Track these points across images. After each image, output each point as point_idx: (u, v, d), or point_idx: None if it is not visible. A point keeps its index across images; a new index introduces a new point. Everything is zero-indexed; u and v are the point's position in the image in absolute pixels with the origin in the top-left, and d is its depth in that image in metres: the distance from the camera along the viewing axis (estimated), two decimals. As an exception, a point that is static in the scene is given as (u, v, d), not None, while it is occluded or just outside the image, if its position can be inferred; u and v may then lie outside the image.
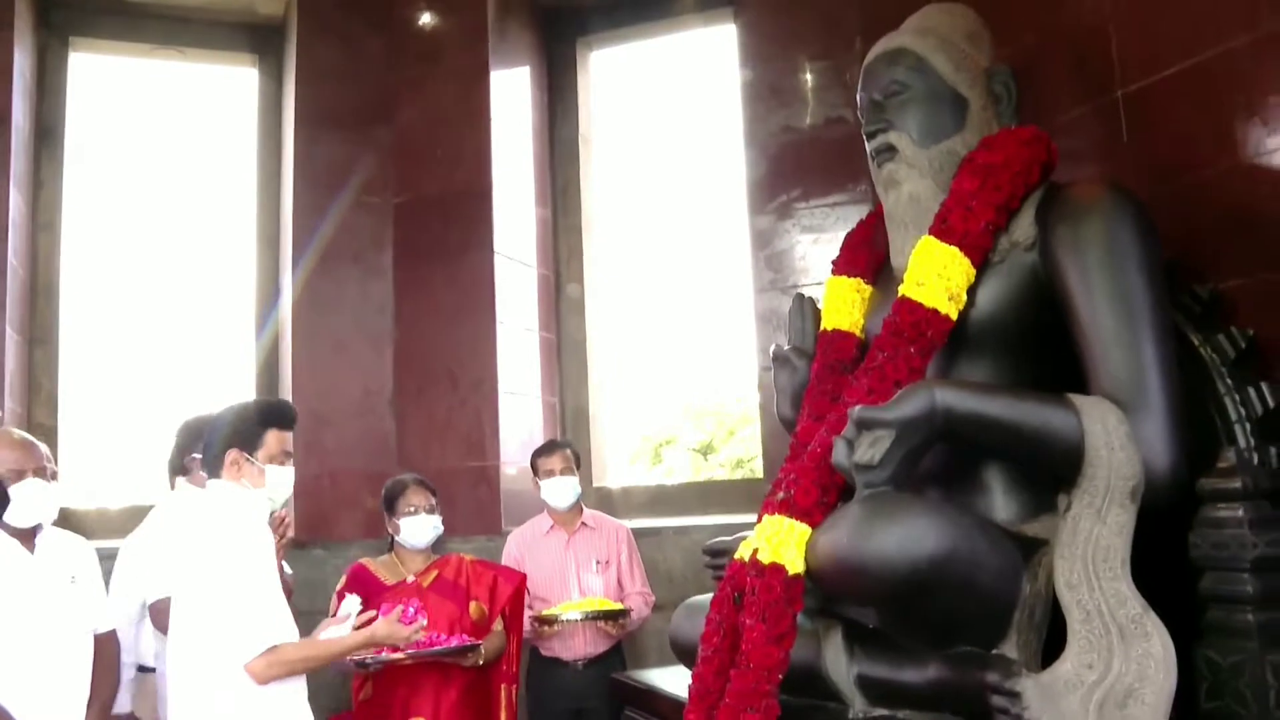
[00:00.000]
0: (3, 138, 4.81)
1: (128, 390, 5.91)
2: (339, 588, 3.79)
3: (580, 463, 4.59)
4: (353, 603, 3.41)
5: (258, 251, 5.64)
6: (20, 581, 3.07)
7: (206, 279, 6.01)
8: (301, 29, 5.43)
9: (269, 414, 3.12)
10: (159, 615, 3.42)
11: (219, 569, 2.88)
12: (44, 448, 3.38)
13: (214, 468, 3.04)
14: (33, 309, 5.15)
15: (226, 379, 5.72)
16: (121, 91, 5.75)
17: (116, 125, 5.81)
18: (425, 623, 3.43)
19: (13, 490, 3.13)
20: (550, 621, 4.07)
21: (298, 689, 2.97)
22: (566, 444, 4.62)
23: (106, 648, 3.25)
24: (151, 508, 3.90)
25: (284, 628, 2.94)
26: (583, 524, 4.47)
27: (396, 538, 4.08)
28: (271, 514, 3.70)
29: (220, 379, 5.82)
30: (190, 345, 6.04)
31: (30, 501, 3.18)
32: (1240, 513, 2.14)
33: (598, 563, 4.33)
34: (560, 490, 4.38)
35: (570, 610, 4.09)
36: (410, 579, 3.96)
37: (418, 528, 4.04)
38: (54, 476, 3.36)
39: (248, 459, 3.02)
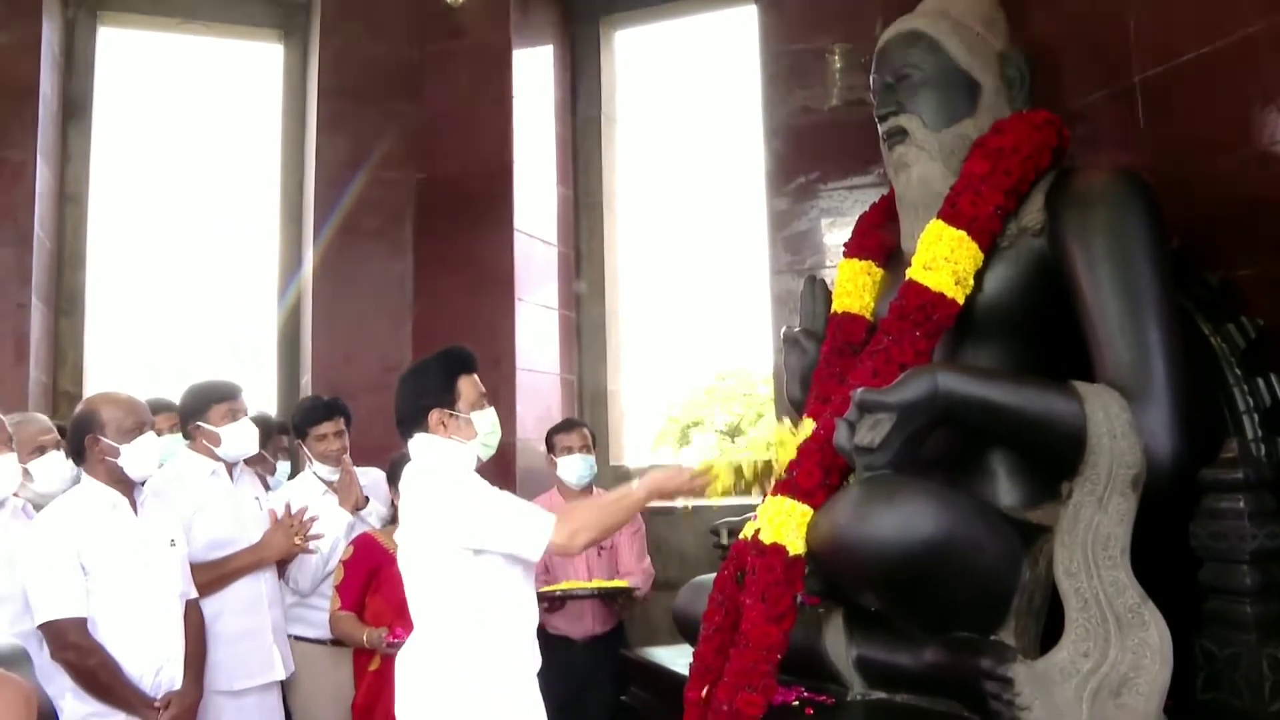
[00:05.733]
0: (31, 111, 4.87)
1: (151, 360, 5.97)
2: (344, 559, 3.81)
3: (596, 443, 4.58)
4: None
5: (280, 225, 5.68)
6: (125, 541, 3.11)
7: (230, 251, 6.06)
8: (326, 5, 5.45)
9: (453, 363, 3.05)
10: None
11: (466, 507, 2.83)
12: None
13: (413, 429, 2.98)
14: (59, 279, 5.21)
15: (247, 350, 5.77)
16: (149, 65, 5.79)
17: (144, 99, 5.84)
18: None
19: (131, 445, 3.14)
20: (559, 599, 4.04)
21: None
22: (584, 423, 4.62)
23: (193, 614, 3.30)
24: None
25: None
26: None
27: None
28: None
29: (241, 350, 5.88)
30: (213, 316, 6.09)
31: (146, 454, 3.19)
32: (1240, 504, 2.13)
33: (600, 548, 4.30)
34: (577, 468, 4.36)
35: (579, 587, 4.04)
36: None
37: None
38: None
39: (450, 414, 2.96)
